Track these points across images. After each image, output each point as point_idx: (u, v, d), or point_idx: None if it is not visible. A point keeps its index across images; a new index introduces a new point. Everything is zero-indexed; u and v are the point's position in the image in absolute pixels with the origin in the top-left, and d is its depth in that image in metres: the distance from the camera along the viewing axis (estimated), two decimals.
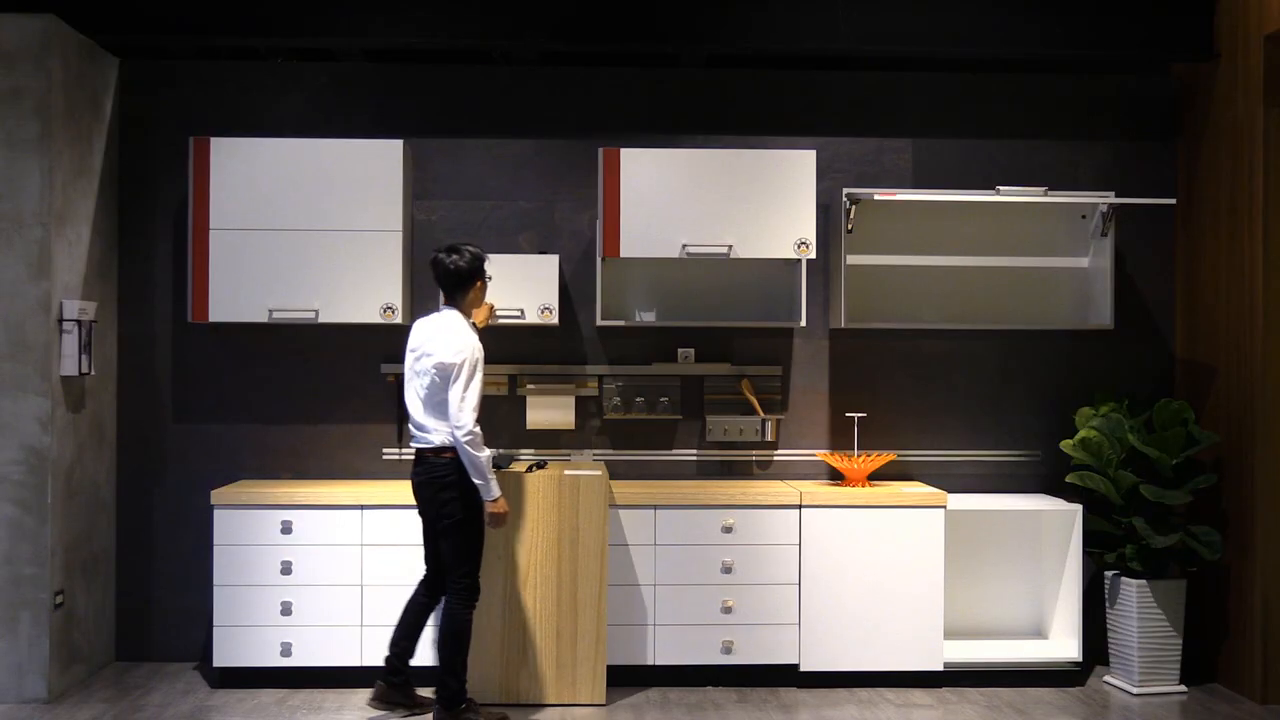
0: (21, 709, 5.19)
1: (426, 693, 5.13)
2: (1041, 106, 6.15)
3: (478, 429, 4.80)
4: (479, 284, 5.00)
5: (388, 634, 5.41)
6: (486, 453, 4.84)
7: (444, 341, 4.85)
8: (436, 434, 4.89)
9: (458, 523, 4.89)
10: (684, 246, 5.56)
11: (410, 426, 5.00)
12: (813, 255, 5.64)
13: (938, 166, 6.10)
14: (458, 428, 4.77)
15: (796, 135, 6.07)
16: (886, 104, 6.12)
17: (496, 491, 4.87)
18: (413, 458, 5.03)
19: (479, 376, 4.84)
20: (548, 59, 6.13)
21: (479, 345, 4.90)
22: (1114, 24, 5.77)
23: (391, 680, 5.10)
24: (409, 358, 5.00)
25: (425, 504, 4.98)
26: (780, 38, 5.70)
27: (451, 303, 4.99)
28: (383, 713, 5.13)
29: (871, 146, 6.11)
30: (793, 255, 5.60)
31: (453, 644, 4.93)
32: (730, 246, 5.57)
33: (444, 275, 4.95)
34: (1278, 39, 5.39)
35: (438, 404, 4.87)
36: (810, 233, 5.62)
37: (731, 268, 5.88)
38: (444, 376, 4.82)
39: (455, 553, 4.93)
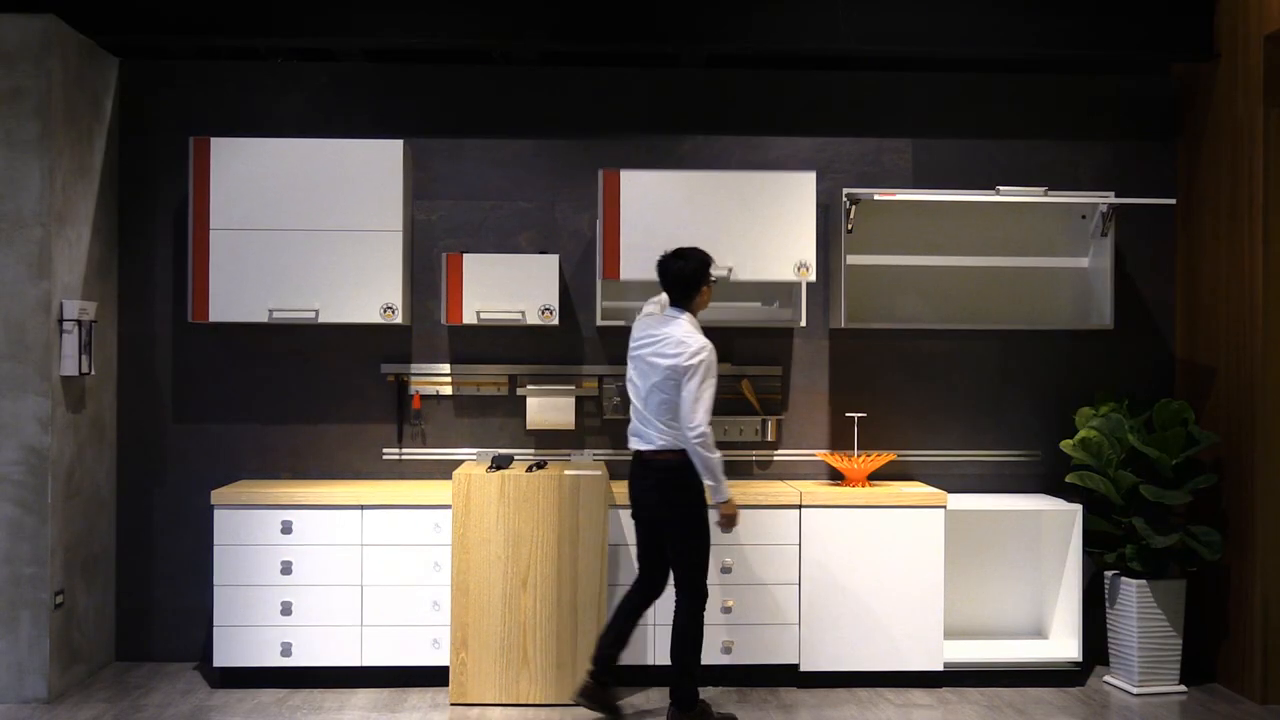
0: (21, 709, 5.20)
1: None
2: (1041, 106, 6.15)
3: (709, 429, 4.79)
4: (705, 288, 5.00)
5: (388, 634, 5.43)
6: (719, 454, 4.84)
7: (678, 345, 4.85)
8: (661, 437, 4.90)
9: (688, 525, 4.92)
10: None
11: (631, 430, 5.02)
12: (812, 278, 5.65)
13: (938, 166, 6.10)
14: (690, 428, 4.77)
15: (796, 135, 6.07)
16: (886, 104, 6.12)
17: (728, 493, 4.88)
18: (631, 461, 5.06)
19: (713, 379, 4.84)
20: (548, 59, 6.13)
21: (712, 347, 4.89)
22: (1114, 24, 5.77)
23: (600, 679, 5.06)
24: (633, 360, 4.99)
25: (649, 508, 4.97)
26: (780, 38, 5.70)
27: (679, 304, 4.98)
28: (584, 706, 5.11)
29: (871, 146, 6.11)
30: (793, 278, 5.62)
31: (688, 646, 4.94)
32: (730, 269, 5.57)
33: (671, 279, 4.96)
34: (1278, 39, 5.39)
35: (666, 406, 4.87)
36: (810, 255, 5.62)
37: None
38: (677, 379, 4.82)
39: (686, 555, 4.94)
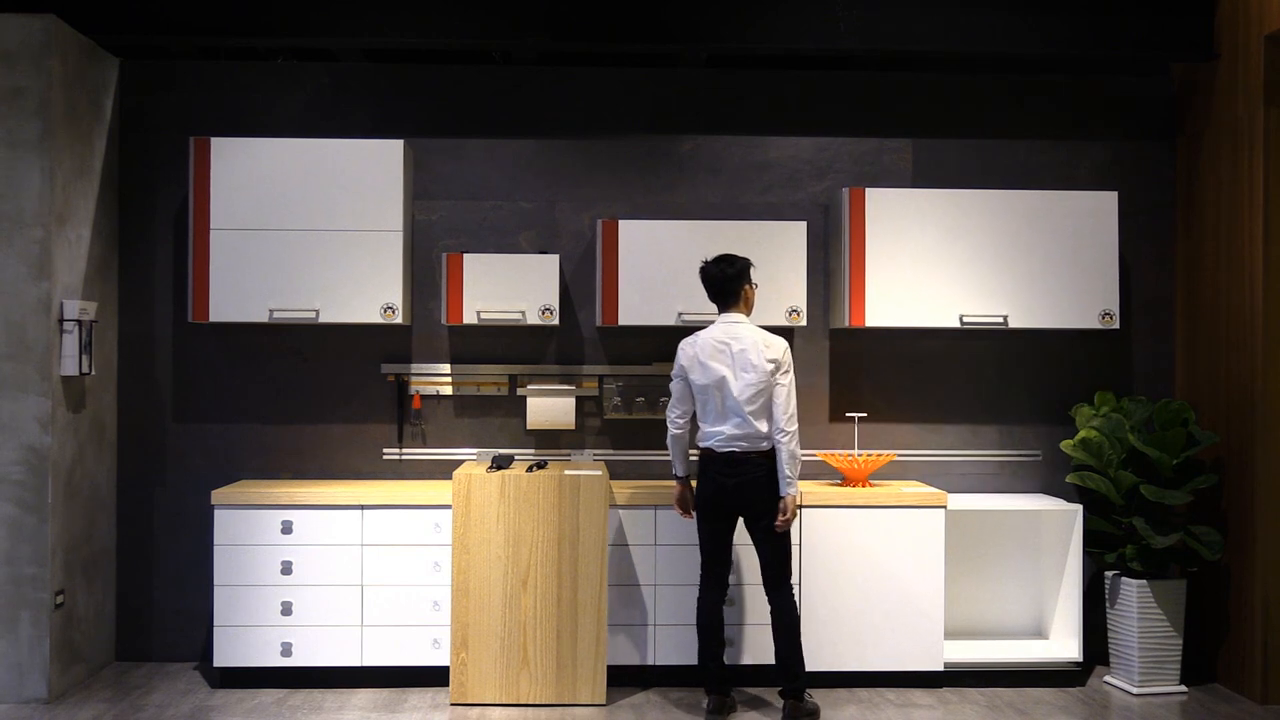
0: (21, 709, 5.20)
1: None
2: (1041, 106, 6.15)
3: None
4: (748, 286, 5.14)
5: (388, 634, 5.43)
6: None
7: (767, 345, 5.04)
8: (767, 438, 5.05)
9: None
10: (679, 314, 5.65)
11: (722, 430, 5.03)
12: (804, 323, 5.74)
13: (938, 166, 6.10)
14: (789, 429, 5.01)
15: (797, 135, 6.07)
16: (886, 104, 6.12)
17: (797, 489, 5.06)
18: (703, 459, 5.13)
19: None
20: (548, 59, 6.13)
21: None
22: (1114, 24, 5.77)
23: (726, 689, 5.18)
24: (730, 370, 5.02)
25: (743, 505, 5.08)
26: (780, 37, 5.70)
27: (734, 309, 5.12)
28: None
29: (871, 146, 6.11)
30: (785, 323, 5.69)
31: (799, 635, 5.08)
32: None
33: (719, 283, 5.11)
34: (1278, 39, 5.39)
35: (765, 406, 5.03)
36: (801, 301, 5.70)
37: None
38: (771, 378, 5.01)
39: (785, 550, 5.11)
